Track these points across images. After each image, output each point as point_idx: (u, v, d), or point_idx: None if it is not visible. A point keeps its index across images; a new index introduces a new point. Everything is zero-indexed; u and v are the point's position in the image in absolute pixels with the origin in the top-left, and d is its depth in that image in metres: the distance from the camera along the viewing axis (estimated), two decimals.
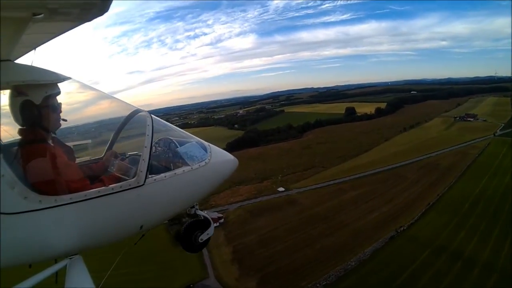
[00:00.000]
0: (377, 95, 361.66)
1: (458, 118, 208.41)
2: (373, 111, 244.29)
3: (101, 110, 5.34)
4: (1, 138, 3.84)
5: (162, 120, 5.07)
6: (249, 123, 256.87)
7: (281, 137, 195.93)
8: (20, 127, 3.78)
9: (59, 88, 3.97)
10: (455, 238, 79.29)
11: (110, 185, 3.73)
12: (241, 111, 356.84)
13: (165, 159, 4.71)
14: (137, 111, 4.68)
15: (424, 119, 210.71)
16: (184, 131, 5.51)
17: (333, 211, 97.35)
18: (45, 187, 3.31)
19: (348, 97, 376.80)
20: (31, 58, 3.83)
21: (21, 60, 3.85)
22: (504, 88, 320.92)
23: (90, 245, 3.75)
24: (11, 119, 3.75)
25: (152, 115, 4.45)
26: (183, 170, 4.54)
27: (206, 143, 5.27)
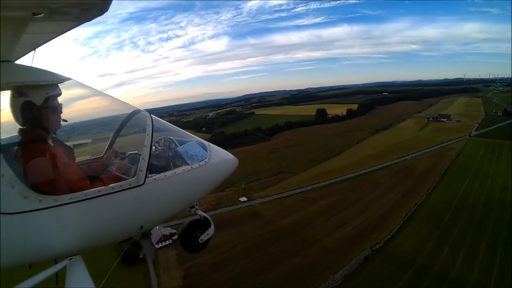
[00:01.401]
0: (348, 96, 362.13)
1: (431, 118, 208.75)
2: (344, 112, 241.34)
3: (101, 110, 5.22)
4: (1, 138, 3.76)
5: (162, 120, 4.92)
6: (217, 126, 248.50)
7: (248, 140, 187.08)
8: (20, 127, 3.72)
9: (59, 89, 3.92)
10: (438, 255, 69.93)
11: (110, 185, 3.66)
12: (210, 114, 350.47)
13: (165, 159, 4.61)
14: (137, 111, 4.60)
15: (396, 120, 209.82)
16: (184, 131, 5.35)
17: (300, 225, 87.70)
18: (45, 186, 3.27)
19: (320, 99, 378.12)
20: (31, 58, 3.87)
21: (21, 61, 3.87)
22: (473, 89, 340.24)
23: (90, 245, 3.71)
24: (11, 119, 3.71)
25: (152, 115, 4.41)
26: (183, 170, 4.44)
27: (206, 143, 5.16)
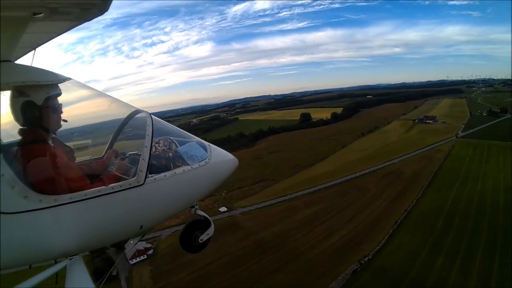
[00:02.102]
0: (333, 100, 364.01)
1: (417, 120, 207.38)
2: (329, 116, 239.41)
3: (101, 110, 5.19)
4: (1, 138, 3.86)
5: (162, 120, 4.97)
6: (201, 132, 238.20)
7: (231, 146, 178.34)
8: (20, 127, 3.73)
9: (60, 89, 3.94)
10: (432, 266, 65.15)
11: (110, 185, 3.69)
12: (194, 120, 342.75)
13: (165, 159, 4.66)
14: (137, 111, 4.60)
15: (382, 123, 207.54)
16: (184, 131, 5.37)
17: (283, 237, 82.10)
18: (45, 186, 3.28)
19: (304, 103, 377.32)
20: (31, 58, 3.93)
21: (21, 61, 3.90)
22: (457, 90, 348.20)
23: (90, 245, 3.78)
24: (11, 119, 3.73)
25: (152, 115, 4.45)
26: (183, 170, 4.47)
27: (206, 143, 5.18)
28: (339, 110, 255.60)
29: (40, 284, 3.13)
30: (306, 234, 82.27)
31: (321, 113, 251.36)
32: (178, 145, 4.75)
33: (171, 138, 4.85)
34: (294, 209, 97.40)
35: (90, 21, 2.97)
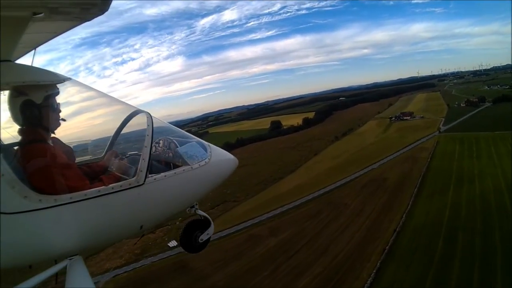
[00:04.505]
0: (305, 105, 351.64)
1: (394, 118, 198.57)
2: (300, 122, 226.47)
3: (101, 110, 5.39)
4: (1, 138, 3.92)
5: (162, 121, 5.05)
6: None
7: None
8: (19, 127, 3.77)
9: (58, 89, 3.98)
10: None
11: (110, 185, 3.71)
12: None
13: (165, 159, 4.64)
14: (137, 112, 4.67)
15: (357, 124, 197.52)
16: (184, 131, 5.44)
17: (240, 279, 65.08)
18: (45, 186, 3.30)
19: (276, 111, 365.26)
20: (31, 58, 3.97)
21: (21, 61, 3.95)
22: (429, 84, 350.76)
23: (90, 245, 3.78)
24: (10, 119, 3.78)
25: (152, 116, 4.45)
26: (183, 170, 4.46)
27: (206, 143, 5.20)
28: (311, 115, 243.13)
29: (40, 284, 3.05)
30: (269, 275, 64.54)
31: (292, 120, 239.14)
32: (178, 145, 4.69)
33: (171, 138, 4.80)
34: (256, 238, 79.55)
35: (90, 21, 2.99)
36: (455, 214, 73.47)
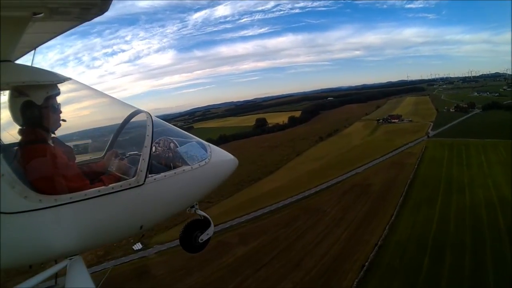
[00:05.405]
0: (293, 104, 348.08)
1: (381, 120, 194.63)
2: (286, 120, 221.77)
3: (102, 110, 5.37)
4: (1, 138, 3.94)
5: (162, 121, 5.06)
6: None
7: None
8: (20, 127, 3.79)
9: (59, 89, 3.99)
10: None
11: (110, 185, 3.72)
12: None
13: (165, 159, 4.64)
14: (137, 112, 4.67)
15: (343, 125, 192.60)
16: (184, 132, 5.42)
17: None
18: (45, 186, 3.30)
19: (264, 108, 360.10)
20: (31, 58, 4.02)
21: (21, 61, 3.97)
22: (419, 88, 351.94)
23: (90, 245, 3.83)
24: (11, 119, 3.80)
25: (152, 116, 4.46)
26: (183, 170, 4.46)
27: (206, 143, 5.20)
28: (297, 114, 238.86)
29: (40, 284, 3.09)
30: None
31: (278, 118, 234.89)
32: (178, 145, 4.71)
33: (171, 138, 4.81)
34: (225, 246, 71.95)
35: (90, 21, 3.00)
36: (443, 229, 68.27)
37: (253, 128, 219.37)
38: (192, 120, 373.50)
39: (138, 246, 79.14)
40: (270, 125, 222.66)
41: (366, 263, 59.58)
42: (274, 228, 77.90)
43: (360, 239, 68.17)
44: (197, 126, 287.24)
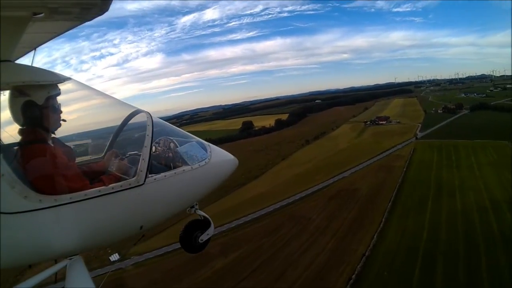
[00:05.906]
0: (280, 107, 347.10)
1: (369, 122, 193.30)
2: (273, 123, 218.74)
3: (101, 110, 5.39)
4: (1, 138, 3.94)
5: (162, 121, 5.07)
6: None
7: None
8: (20, 127, 3.81)
9: (59, 89, 4.00)
10: None
11: (110, 185, 3.73)
12: (136, 135, 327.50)
13: (165, 159, 4.64)
14: (137, 111, 4.68)
15: (330, 127, 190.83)
16: (185, 131, 5.42)
17: None
18: (45, 186, 3.30)
19: (251, 111, 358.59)
20: (31, 58, 4.03)
21: (21, 61, 3.98)
22: (406, 90, 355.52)
23: (90, 245, 3.83)
24: (11, 119, 3.81)
25: (152, 116, 4.48)
26: (183, 170, 4.45)
27: (206, 143, 5.20)
28: (285, 117, 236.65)
29: (40, 284, 3.08)
30: None
31: (265, 121, 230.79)
32: (178, 145, 4.70)
33: (171, 138, 4.81)
34: (203, 257, 67.15)
35: (90, 21, 3.01)
36: (434, 236, 65.23)
37: (239, 131, 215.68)
38: (179, 123, 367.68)
39: (115, 257, 73.92)
40: (256, 128, 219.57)
41: (353, 275, 56.94)
42: (256, 237, 74.87)
43: (346, 248, 65.17)
44: (184, 129, 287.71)
